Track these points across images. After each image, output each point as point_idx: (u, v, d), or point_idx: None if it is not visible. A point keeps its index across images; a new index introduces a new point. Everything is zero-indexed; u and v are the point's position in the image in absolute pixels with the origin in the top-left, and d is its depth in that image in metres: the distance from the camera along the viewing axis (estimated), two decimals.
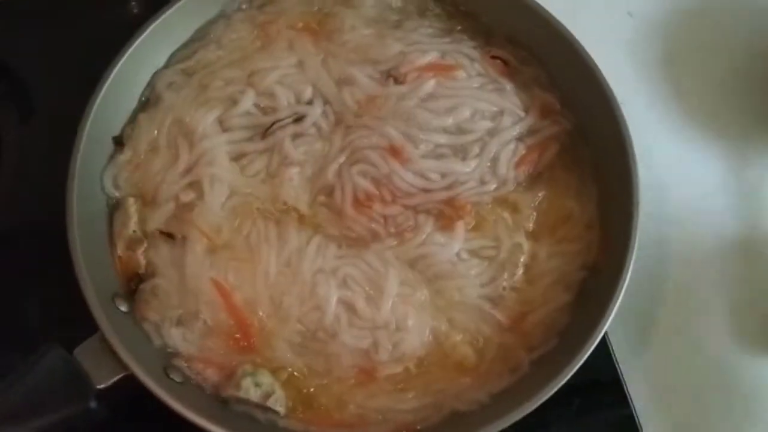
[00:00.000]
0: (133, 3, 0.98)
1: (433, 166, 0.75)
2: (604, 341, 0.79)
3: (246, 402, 0.68)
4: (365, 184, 0.74)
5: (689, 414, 0.81)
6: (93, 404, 0.63)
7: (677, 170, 0.92)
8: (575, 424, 0.79)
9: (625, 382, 0.80)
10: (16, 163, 0.89)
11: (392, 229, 0.73)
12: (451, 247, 0.72)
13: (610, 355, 0.81)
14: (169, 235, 0.73)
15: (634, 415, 0.79)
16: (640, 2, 1.02)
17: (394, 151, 0.74)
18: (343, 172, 0.74)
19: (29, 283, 0.82)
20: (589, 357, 0.66)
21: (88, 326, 0.66)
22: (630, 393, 0.80)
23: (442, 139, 0.76)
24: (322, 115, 0.77)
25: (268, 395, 0.68)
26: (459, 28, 0.83)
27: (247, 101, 0.77)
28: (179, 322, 0.71)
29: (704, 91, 0.98)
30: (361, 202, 0.74)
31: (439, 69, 0.77)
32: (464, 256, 0.73)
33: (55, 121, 0.89)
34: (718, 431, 0.81)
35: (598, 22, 0.98)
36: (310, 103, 0.77)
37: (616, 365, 0.80)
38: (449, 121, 0.76)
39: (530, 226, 0.75)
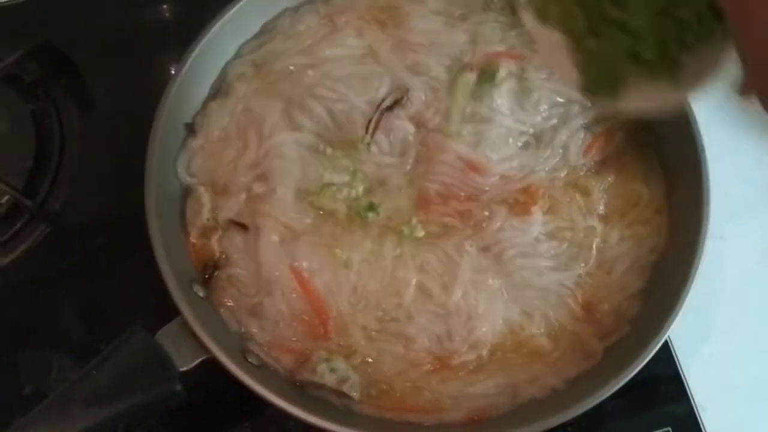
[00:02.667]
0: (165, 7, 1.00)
1: (509, 166, 0.76)
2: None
3: (321, 387, 0.69)
4: (435, 187, 0.75)
5: (749, 409, 0.81)
6: (178, 387, 0.64)
7: (740, 164, 0.92)
8: (635, 418, 0.79)
9: (684, 376, 0.81)
10: (80, 154, 0.90)
11: (469, 222, 0.74)
12: (530, 231, 0.73)
13: (670, 349, 0.81)
14: (242, 226, 0.74)
15: (695, 409, 0.79)
16: None
17: (473, 167, 0.75)
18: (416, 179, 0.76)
19: (103, 269, 0.83)
20: None
21: (169, 311, 0.67)
22: (690, 387, 0.80)
23: (517, 132, 0.77)
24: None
25: (343, 380, 0.69)
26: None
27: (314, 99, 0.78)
28: (255, 310, 0.72)
29: None
30: (432, 201, 0.75)
31: (508, 57, 0.78)
32: (542, 238, 0.74)
33: (114, 112, 0.92)
34: None
35: None
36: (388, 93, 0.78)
37: (676, 359, 0.81)
38: (523, 114, 0.77)
39: (601, 209, 0.76)
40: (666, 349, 0.81)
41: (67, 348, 0.80)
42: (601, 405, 0.69)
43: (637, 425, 0.78)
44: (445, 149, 0.75)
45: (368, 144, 0.76)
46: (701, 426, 0.78)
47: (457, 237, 0.74)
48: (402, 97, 0.78)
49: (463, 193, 0.75)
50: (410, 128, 0.77)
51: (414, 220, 0.74)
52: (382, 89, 0.78)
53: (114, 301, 0.82)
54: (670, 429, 0.78)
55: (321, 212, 0.75)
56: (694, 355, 0.82)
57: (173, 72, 0.76)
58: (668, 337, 0.80)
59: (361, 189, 0.76)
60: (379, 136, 0.77)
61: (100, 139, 0.91)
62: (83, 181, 0.88)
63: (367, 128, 0.76)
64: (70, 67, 0.95)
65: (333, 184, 0.75)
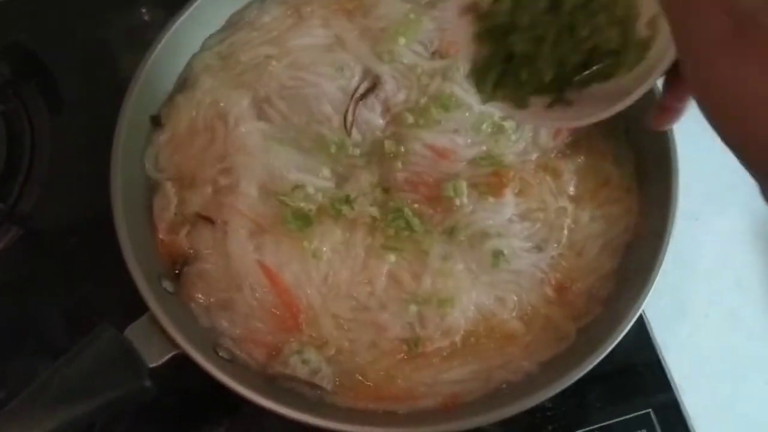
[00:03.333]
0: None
1: (478, 150, 0.76)
2: (641, 319, 0.80)
3: (293, 379, 0.69)
4: (404, 175, 0.75)
5: (729, 389, 0.81)
6: (147, 383, 0.63)
7: (715, 144, 0.92)
8: (615, 402, 0.79)
9: (663, 359, 0.81)
10: (51, 155, 0.89)
11: (438, 207, 0.74)
12: (503, 212, 0.73)
13: (648, 332, 0.81)
14: (209, 220, 0.74)
15: (675, 392, 0.79)
16: None
17: (441, 154, 0.75)
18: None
19: (77, 269, 0.83)
20: (628, 336, 0.67)
21: (140, 308, 0.67)
22: (669, 370, 0.80)
23: (487, 117, 0.77)
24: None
25: (315, 372, 0.69)
26: None
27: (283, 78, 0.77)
28: (226, 305, 0.71)
29: None
30: (400, 188, 0.75)
31: None
32: (515, 219, 0.74)
33: (84, 112, 0.92)
34: (758, 402, 0.81)
35: None
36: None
37: (654, 342, 0.81)
38: None
39: (571, 190, 0.76)
40: (644, 332, 0.81)
41: (41, 348, 0.80)
42: (581, 390, 0.69)
43: (618, 410, 0.78)
44: (414, 137, 0.75)
45: (343, 141, 0.76)
46: (682, 408, 0.78)
47: (428, 223, 0.73)
48: (374, 85, 0.77)
49: (432, 179, 0.74)
50: (380, 121, 0.77)
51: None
52: (354, 78, 0.78)
53: (87, 300, 0.81)
54: (650, 411, 0.78)
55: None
56: (673, 337, 0.82)
57: (137, 67, 0.76)
58: (646, 319, 0.81)
59: (333, 184, 0.75)
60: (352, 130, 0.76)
61: (70, 139, 0.91)
62: (54, 182, 0.88)
63: (345, 121, 0.76)
64: (41, 67, 0.94)
65: (303, 186, 0.74)
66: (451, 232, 0.73)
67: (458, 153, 0.75)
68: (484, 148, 0.76)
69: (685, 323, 0.84)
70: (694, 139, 0.86)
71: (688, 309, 0.85)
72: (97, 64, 0.95)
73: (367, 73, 0.78)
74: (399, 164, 0.74)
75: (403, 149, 0.75)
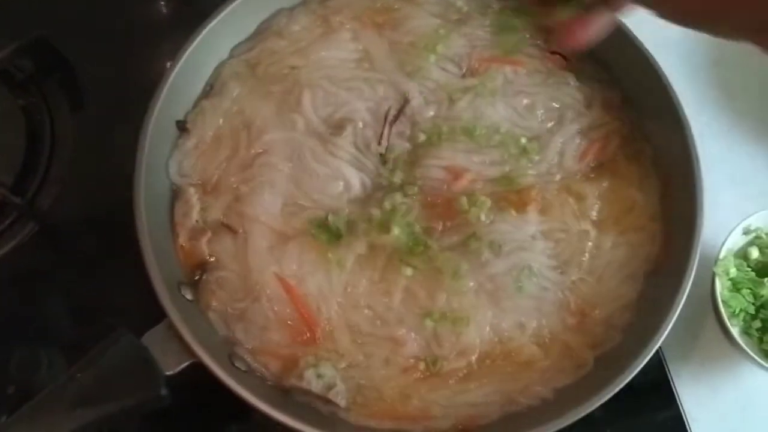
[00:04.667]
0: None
1: (497, 171, 0.76)
2: None
3: (308, 393, 0.68)
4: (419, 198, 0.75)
5: (739, 419, 0.81)
6: (164, 391, 0.63)
7: (727, 172, 0.92)
8: (624, 423, 0.79)
9: (674, 382, 0.81)
10: (71, 152, 0.89)
11: (456, 218, 0.74)
12: (525, 228, 0.73)
13: (660, 357, 0.81)
14: (230, 228, 0.73)
15: (684, 419, 0.79)
16: None
17: (458, 175, 0.75)
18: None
19: (92, 267, 0.83)
20: None
21: (156, 313, 0.66)
22: (679, 397, 0.80)
23: (511, 138, 0.77)
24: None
25: (330, 387, 0.68)
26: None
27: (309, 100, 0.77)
28: (243, 315, 0.71)
29: (754, 92, 0.98)
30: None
31: (502, 63, 0.78)
32: (539, 236, 0.73)
33: (105, 110, 0.92)
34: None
35: (644, 25, 0.98)
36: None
37: (665, 365, 0.81)
38: (518, 119, 0.77)
39: (594, 215, 0.75)
40: (656, 356, 0.80)
41: (55, 344, 0.80)
42: (590, 415, 0.68)
43: None
44: (433, 155, 0.75)
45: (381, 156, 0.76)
46: None
47: (441, 239, 0.73)
48: (404, 105, 0.77)
49: (446, 198, 0.74)
50: (407, 144, 0.77)
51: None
52: (385, 100, 0.78)
53: (102, 300, 0.81)
54: None
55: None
56: (683, 361, 0.82)
57: (165, 71, 0.75)
58: (660, 347, 0.80)
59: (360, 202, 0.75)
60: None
61: (91, 136, 0.90)
62: (73, 179, 0.88)
63: (379, 141, 0.76)
64: (63, 63, 0.94)
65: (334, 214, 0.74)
66: (465, 243, 0.72)
67: (475, 173, 0.75)
68: (507, 168, 0.76)
69: (696, 351, 0.84)
70: (714, 168, 0.87)
71: (701, 337, 0.84)
72: (119, 61, 0.94)
73: (395, 90, 0.78)
74: (415, 188, 0.74)
75: (418, 172, 0.75)
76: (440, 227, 0.73)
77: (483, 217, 0.72)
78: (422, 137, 0.76)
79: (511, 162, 0.76)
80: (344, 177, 0.75)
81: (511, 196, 0.74)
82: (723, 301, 0.77)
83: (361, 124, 0.76)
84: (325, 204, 0.74)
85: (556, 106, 0.79)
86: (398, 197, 0.73)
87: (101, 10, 0.98)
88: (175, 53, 0.76)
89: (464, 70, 0.79)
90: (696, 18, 0.47)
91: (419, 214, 0.73)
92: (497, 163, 0.77)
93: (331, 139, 0.76)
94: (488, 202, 0.73)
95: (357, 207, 0.74)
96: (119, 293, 0.80)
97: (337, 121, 0.77)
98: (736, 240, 0.80)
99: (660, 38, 0.97)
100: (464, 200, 0.73)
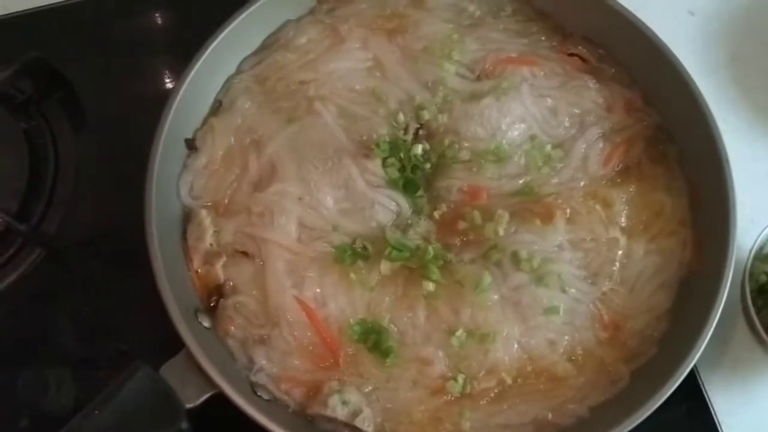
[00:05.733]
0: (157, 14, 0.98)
1: (516, 184, 0.74)
2: None
3: (333, 420, 0.66)
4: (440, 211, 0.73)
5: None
6: (185, 425, 0.60)
7: (745, 169, 0.89)
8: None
9: (705, 389, 0.78)
10: (75, 174, 0.87)
11: (480, 235, 0.72)
12: (551, 238, 0.71)
13: (693, 368, 0.78)
14: (245, 253, 0.71)
15: (716, 423, 0.77)
16: (701, 1, 1.00)
17: (475, 194, 0.73)
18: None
19: (102, 293, 0.81)
20: None
21: (172, 340, 0.64)
22: (711, 401, 0.78)
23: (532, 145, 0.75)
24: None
25: (356, 414, 0.66)
26: (535, 29, 0.81)
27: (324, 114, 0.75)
28: (263, 340, 0.68)
29: None
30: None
31: (518, 63, 0.76)
32: (566, 246, 0.71)
33: (108, 130, 0.89)
34: None
35: (658, 21, 0.95)
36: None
37: (699, 378, 0.78)
38: (542, 123, 0.75)
39: (623, 221, 0.73)
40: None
41: (64, 366, 0.77)
42: None
43: None
44: (449, 176, 0.74)
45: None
46: None
47: (465, 253, 0.71)
48: (421, 125, 0.76)
49: (470, 211, 0.72)
50: (427, 166, 0.75)
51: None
52: (399, 112, 0.76)
53: (112, 323, 0.79)
54: None
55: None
56: (716, 370, 0.80)
57: (172, 88, 0.73)
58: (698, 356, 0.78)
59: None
60: None
61: (95, 157, 0.88)
62: (78, 202, 0.85)
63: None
64: (64, 83, 0.92)
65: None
66: (486, 255, 0.70)
67: (495, 188, 0.73)
68: (529, 179, 0.74)
69: (729, 356, 0.81)
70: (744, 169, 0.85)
71: (730, 344, 0.82)
72: (119, 77, 0.93)
73: (409, 101, 0.76)
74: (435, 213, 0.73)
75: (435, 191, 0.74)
76: (458, 242, 0.71)
77: (501, 231, 0.70)
78: (439, 156, 0.74)
79: (532, 172, 0.74)
80: (376, 202, 0.73)
81: (534, 206, 0.72)
82: (753, 304, 0.75)
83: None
84: (349, 229, 0.72)
85: (577, 111, 0.77)
86: (423, 222, 0.72)
87: (98, 28, 0.96)
88: (175, 67, 0.74)
89: (477, 74, 0.77)
90: None
91: (436, 231, 0.72)
92: (517, 176, 0.75)
93: (361, 162, 0.73)
94: (506, 216, 0.70)
95: (380, 230, 0.72)
96: (129, 317, 0.78)
97: (361, 140, 0.75)
98: (764, 241, 0.78)
99: (676, 34, 0.96)
100: (476, 215, 0.71)
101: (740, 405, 0.79)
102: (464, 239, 0.72)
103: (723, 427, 0.77)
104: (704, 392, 0.79)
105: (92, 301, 0.81)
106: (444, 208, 0.73)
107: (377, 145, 0.73)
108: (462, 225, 0.72)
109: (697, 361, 0.77)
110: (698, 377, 0.79)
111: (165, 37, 0.98)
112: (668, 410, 0.76)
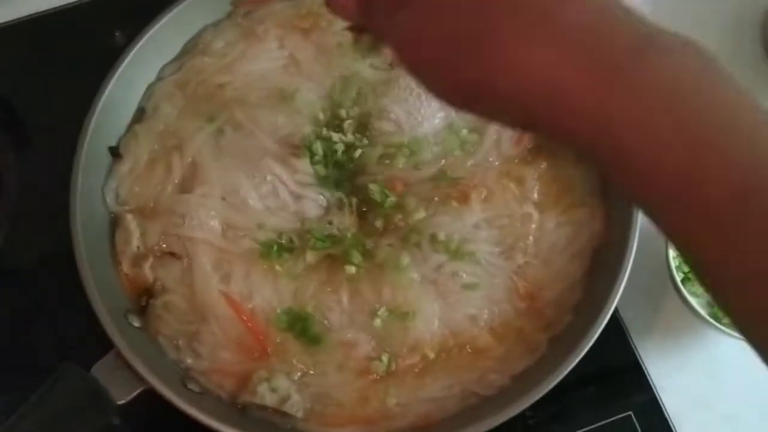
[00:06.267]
0: (118, 33, 0.98)
1: (432, 170, 0.75)
2: (618, 323, 0.80)
3: (263, 408, 0.68)
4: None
5: (708, 385, 0.81)
6: (116, 421, 0.63)
7: None
8: (596, 406, 0.79)
9: (643, 361, 0.80)
10: (18, 192, 0.88)
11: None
12: (467, 218, 0.72)
13: (625, 334, 0.81)
14: (172, 254, 0.73)
15: (654, 391, 0.79)
16: None
17: (392, 187, 0.75)
18: None
19: (41, 309, 0.82)
20: (606, 340, 0.66)
21: (104, 345, 0.66)
22: (648, 370, 0.80)
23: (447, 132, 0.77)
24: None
25: (284, 400, 0.68)
26: None
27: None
28: (193, 337, 0.70)
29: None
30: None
31: None
32: (482, 225, 0.73)
33: (50, 145, 0.91)
34: (738, 398, 0.80)
35: None
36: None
37: (632, 344, 0.81)
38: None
39: (535, 196, 0.75)
40: (621, 334, 0.81)
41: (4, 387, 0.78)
42: (561, 396, 0.68)
43: (599, 413, 0.78)
44: (367, 170, 0.75)
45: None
46: (662, 407, 0.78)
47: (384, 239, 0.73)
48: (341, 120, 0.77)
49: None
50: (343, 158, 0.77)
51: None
52: (319, 109, 0.77)
53: (52, 338, 0.80)
54: (631, 413, 0.78)
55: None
56: (650, 337, 0.82)
57: (94, 99, 0.75)
58: (623, 321, 0.80)
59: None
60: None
61: (36, 174, 0.89)
62: (20, 220, 0.86)
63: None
64: (4, 103, 0.94)
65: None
66: (405, 237, 0.72)
67: (415, 176, 0.75)
68: (444, 163, 0.76)
69: (661, 323, 0.83)
70: None
71: (662, 307, 0.84)
72: (59, 92, 0.93)
73: (326, 95, 0.78)
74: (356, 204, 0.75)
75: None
76: (380, 229, 0.73)
77: (419, 217, 0.72)
78: (356, 149, 0.76)
79: (448, 157, 0.76)
80: (303, 199, 0.75)
81: (451, 189, 0.74)
82: (677, 268, 0.77)
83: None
84: (275, 225, 0.74)
85: None
86: (347, 215, 0.74)
87: (39, 46, 0.96)
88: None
89: (390, 62, 0.78)
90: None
91: (358, 223, 0.74)
92: (432, 162, 0.76)
93: (290, 160, 0.75)
94: (413, 203, 0.73)
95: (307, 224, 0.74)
96: (69, 329, 0.79)
97: (285, 139, 0.76)
98: None
99: None
100: (391, 202, 0.73)
101: (674, 369, 0.81)
102: (385, 227, 0.74)
103: (659, 391, 0.80)
104: (639, 358, 0.81)
105: (34, 317, 0.82)
106: (364, 200, 0.75)
107: (304, 144, 0.75)
108: (378, 217, 0.74)
109: (631, 328, 0.81)
110: (632, 344, 0.81)
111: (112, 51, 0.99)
112: (606, 380, 0.80)
